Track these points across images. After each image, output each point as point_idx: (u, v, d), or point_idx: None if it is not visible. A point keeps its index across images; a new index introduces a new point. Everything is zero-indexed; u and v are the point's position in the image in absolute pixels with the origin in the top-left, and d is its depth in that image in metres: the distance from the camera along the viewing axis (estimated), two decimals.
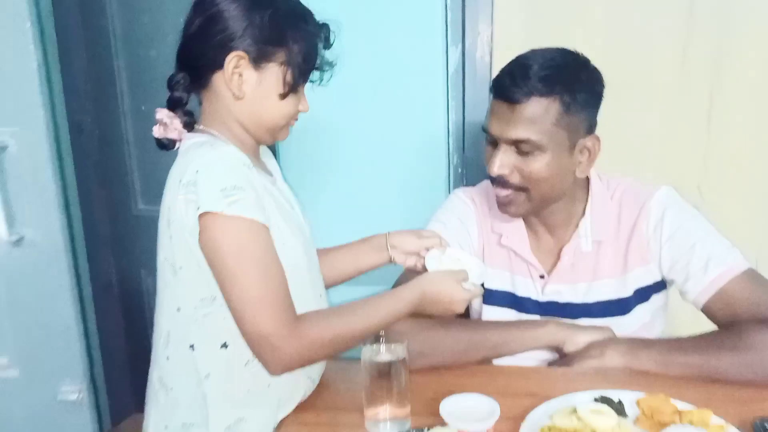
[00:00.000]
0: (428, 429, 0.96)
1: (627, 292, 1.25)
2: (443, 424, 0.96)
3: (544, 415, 0.98)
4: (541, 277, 1.30)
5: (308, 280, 1.11)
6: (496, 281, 1.34)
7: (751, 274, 1.16)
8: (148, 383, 1.10)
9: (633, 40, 1.70)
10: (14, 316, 0.99)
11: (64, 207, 0.99)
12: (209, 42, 1.02)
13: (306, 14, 1.07)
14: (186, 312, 1.01)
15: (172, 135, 1.08)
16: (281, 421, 1.07)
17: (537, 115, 1.14)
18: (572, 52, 1.20)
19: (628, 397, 1.02)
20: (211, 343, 1.01)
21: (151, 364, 1.09)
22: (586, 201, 1.27)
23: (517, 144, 1.16)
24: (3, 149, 0.92)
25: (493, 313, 1.34)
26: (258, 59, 1.02)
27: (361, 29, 1.77)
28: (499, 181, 1.20)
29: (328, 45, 1.09)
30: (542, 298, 1.30)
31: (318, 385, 1.16)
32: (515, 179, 1.19)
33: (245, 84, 1.03)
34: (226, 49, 1.01)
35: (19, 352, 1.00)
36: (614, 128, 1.69)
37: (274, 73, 1.04)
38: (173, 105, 1.08)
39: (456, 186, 1.83)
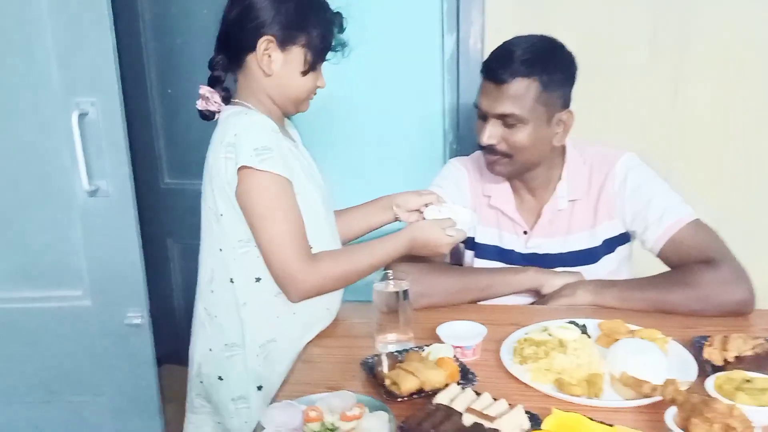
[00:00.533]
0: (427, 345, 1.18)
1: (596, 242, 1.47)
2: (441, 343, 1.19)
3: (522, 335, 1.20)
4: (525, 232, 1.52)
5: (326, 225, 1.33)
6: (485, 237, 1.56)
7: (698, 224, 1.38)
8: (194, 315, 1.33)
9: (608, 25, 1.89)
10: (88, 254, 1.20)
11: (131, 165, 1.20)
12: (244, 28, 1.24)
13: (323, 4, 1.29)
14: (227, 251, 1.24)
15: (212, 108, 1.30)
16: (306, 345, 1.29)
17: (520, 93, 1.35)
18: (550, 38, 1.41)
19: (592, 323, 1.24)
20: (248, 277, 1.24)
21: (197, 298, 1.32)
22: (562, 166, 1.49)
23: (503, 118, 1.37)
24: (84, 115, 1.12)
25: (483, 264, 1.56)
26: (284, 42, 1.24)
27: (366, 19, 1.91)
28: (488, 149, 1.42)
29: (341, 30, 1.31)
30: (525, 251, 1.52)
31: (335, 319, 1.38)
32: (502, 147, 1.40)
33: (273, 63, 1.24)
34: (258, 34, 1.22)
35: (91, 285, 1.21)
36: (590, 104, 1.91)
37: (297, 54, 1.26)
38: (213, 82, 1.30)
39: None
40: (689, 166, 1.94)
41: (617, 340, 1.16)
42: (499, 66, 1.36)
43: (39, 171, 1.16)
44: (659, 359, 1.06)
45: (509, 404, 0.97)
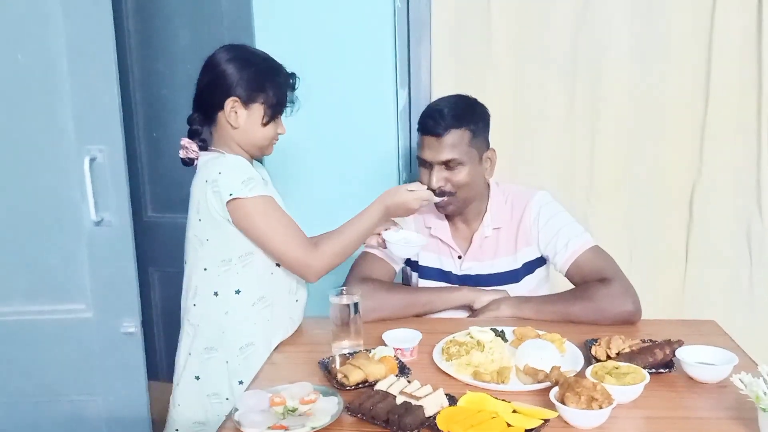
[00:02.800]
0: (374, 349, 1.43)
1: (517, 265, 1.77)
2: (385, 346, 1.45)
3: (450, 338, 1.47)
4: (459, 257, 1.81)
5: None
6: (428, 261, 1.85)
7: (596, 249, 1.70)
8: (180, 332, 1.56)
9: (534, 88, 2.22)
10: (92, 273, 1.43)
11: (135, 201, 1.46)
12: (214, 92, 1.50)
13: (278, 69, 1.56)
14: (211, 270, 1.49)
15: (191, 155, 1.57)
16: (273, 351, 1.54)
17: (456, 141, 1.67)
18: (465, 96, 1.76)
19: (509, 330, 1.52)
20: (229, 290, 1.50)
21: (182, 315, 1.56)
22: (487, 201, 1.80)
23: (446, 163, 1.68)
24: (93, 160, 1.39)
25: (427, 284, 1.84)
26: (247, 101, 1.50)
27: (329, 73, 2.26)
28: (437, 193, 1.69)
29: (293, 89, 1.59)
30: (460, 273, 1.81)
31: (299, 330, 1.65)
32: (448, 188, 1.70)
33: (239, 118, 1.50)
34: (225, 95, 1.49)
35: (93, 299, 1.44)
36: (521, 152, 2.25)
37: (257, 110, 1.51)
38: (192, 135, 1.57)
39: None
40: (603, 200, 2.26)
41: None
42: (435, 123, 1.67)
43: (54, 204, 1.40)
44: (553, 354, 1.34)
45: (433, 389, 1.23)
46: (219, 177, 1.45)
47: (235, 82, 1.49)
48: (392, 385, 1.26)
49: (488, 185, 1.82)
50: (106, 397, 1.48)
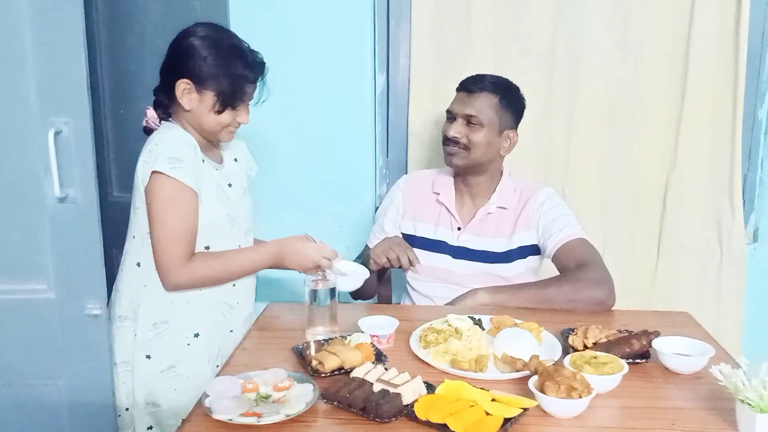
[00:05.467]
0: (350, 335, 1.40)
1: (512, 246, 1.79)
2: (361, 332, 1.42)
3: (427, 326, 1.45)
4: (459, 228, 1.82)
5: (230, 236, 1.54)
6: (424, 232, 1.86)
7: (585, 240, 1.74)
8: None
9: (511, 73, 2.12)
10: (55, 252, 1.35)
11: (100, 180, 1.39)
12: (170, 69, 1.48)
13: (241, 58, 1.48)
14: (137, 239, 1.48)
15: (151, 126, 1.54)
16: (244, 336, 1.50)
17: (484, 103, 1.76)
18: (508, 79, 1.82)
19: (486, 318, 1.50)
20: (150, 263, 1.46)
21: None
22: (499, 182, 1.85)
23: (468, 118, 1.75)
24: (59, 133, 1.31)
25: (428, 257, 1.83)
26: (198, 86, 1.46)
27: (304, 56, 2.24)
28: (452, 141, 1.76)
29: (255, 81, 1.51)
30: (456, 243, 1.82)
31: (271, 316, 1.61)
32: (464, 141, 1.76)
33: (191, 102, 1.47)
34: (178, 76, 1.46)
35: (56, 279, 1.36)
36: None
37: (209, 97, 1.47)
38: (156, 105, 1.54)
39: (380, 182, 2.32)
40: (579, 191, 2.26)
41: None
42: (473, 82, 1.78)
43: (15, 179, 1.32)
44: (531, 343, 1.33)
45: (411, 377, 1.21)
46: (154, 148, 1.44)
47: (191, 63, 1.45)
48: (369, 372, 1.23)
49: (501, 171, 1.87)
50: (69, 381, 1.41)
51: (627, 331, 1.41)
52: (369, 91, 2.28)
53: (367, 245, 1.92)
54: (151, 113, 1.54)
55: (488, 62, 2.20)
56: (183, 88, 1.46)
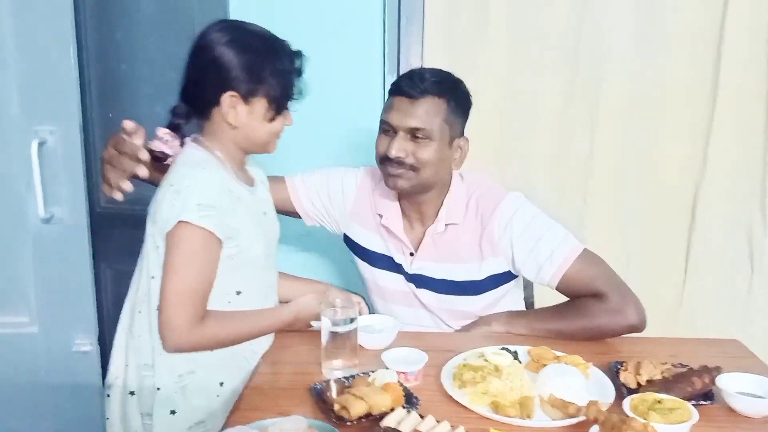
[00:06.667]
0: (373, 372, 1.25)
1: (479, 276, 1.55)
2: (385, 369, 1.26)
3: (460, 361, 1.30)
4: (411, 254, 1.60)
5: (261, 275, 1.40)
6: (377, 246, 1.63)
7: (585, 256, 1.49)
8: (117, 331, 1.34)
9: (528, 72, 2.06)
10: (38, 280, 1.19)
11: (88, 191, 1.22)
12: (207, 84, 1.27)
13: (281, 52, 1.32)
14: (158, 280, 1.26)
15: (168, 151, 1.33)
16: (253, 372, 1.33)
17: (431, 110, 1.46)
18: (452, 73, 1.54)
19: (522, 349, 1.35)
20: None
21: (122, 314, 1.34)
22: (446, 194, 1.57)
23: (413, 132, 1.45)
24: (43, 143, 1.14)
25: (379, 275, 1.63)
26: (247, 95, 1.27)
27: (310, 56, 2.02)
28: (395, 163, 1.46)
29: (300, 74, 1.36)
30: (411, 271, 1.60)
31: (282, 346, 1.43)
32: (410, 161, 1.46)
33: (239, 116, 1.28)
34: (221, 90, 1.26)
35: (39, 311, 1.20)
36: (512, 145, 2.09)
37: (261, 104, 1.29)
38: (174, 128, 1.33)
39: None
40: (599, 201, 2.12)
41: (545, 365, 1.28)
42: (413, 84, 1.46)
43: None
44: (581, 382, 1.18)
45: (451, 425, 1.05)
46: (184, 190, 1.24)
47: (233, 73, 1.25)
48: (402, 421, 1.07)
49: (450, 177, 1.59)
50: (55, 424, 1.24)
51: (682, 365, 1.28)
52: (378, 94, 2.13)
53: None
54: (169, 135, 1.32)
55: (505, 62, 2.06)
56: (229, 103, 1.27)
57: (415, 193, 1.54)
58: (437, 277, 1.57)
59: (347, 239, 1.70)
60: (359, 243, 1.66)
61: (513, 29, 2.04)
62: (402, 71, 2.08)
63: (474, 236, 1.54)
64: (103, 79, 2.11)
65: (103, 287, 2.23)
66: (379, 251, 1.64)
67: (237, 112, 1.28)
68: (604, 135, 2.10)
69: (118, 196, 1.30)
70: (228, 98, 1.27)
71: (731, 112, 2.03)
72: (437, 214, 1.56)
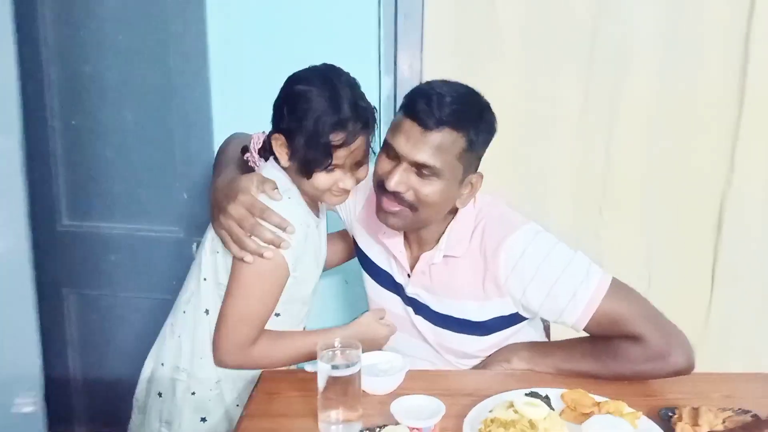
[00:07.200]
0: (380, 428, 1.04)
1: (485, 317, 1.32)
2: (395, 423, 1.05)
3: (484, 411, 1.09)
4: (408, 275, 1.39)
5: (302, 303, 1.38)
6: (380, 260, 1.44)
7: (614, 290, 1.25)
8: (162, 329, 1.37)
9: (542, 76, 1.87)
10: None
11: (47, 209, 1.00)
12: (274, 114, 1.28)
13: (326, 115, 1.20)
14: (210, 284, 1.29)
15: (251, 161, 1.37)
16: (239, 426, 1.12)
17: (445, 145, 1.21)
18: (478, 94, 1.29)
19: (553, 393, 1.15)
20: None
21: (170, 314, 1.37)
22: (450, 223, 1.34)
23: (419, 167, 1.21)
24: None
25: (381, 294, 1.44)
26: (290, 143, 1.24)
27: (296, 54, 1.75)
28: (391, 194, 1.24)
29: (349, 142, 1.23)
30: (408, 293, 1.39)
31: (270, 393, 1.22)
32: (409, 197, 1.23)
33: (283, 157, 1.26)
34: (276, 126, 1.27)
35: None
36: (523, 152, 1.90)
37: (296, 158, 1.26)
38: (262, 150, 1.35)
39: None
40: (618, 213, 1.94)
41: (583, 413, 1.09)
42: (429, 111, 1.19)
43: None
44: None
45: None
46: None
47: (283, 115, 1.25)
48: None
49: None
50: None
51: (743, 410, 1.08)
52: (373, 97, 1.89)
53: None
54: (258, 138, 1.36)
55: (516, 63, 1.86)
56: (278, 142, 1.27)
57: (410, 230, 1.34)
58: (436, 309, 1.36)
59: (356, 246, 1.50)
60: (364, 251, 1.47)
61: (525, 26, 1.85)
62: (399, 71, 1.91)
63: (476, 274, 1.31)
64: (65, 81, 1.91)
65: (66, 316, 2.06)
66: (381, 266, 1.44)
67: (282, 154, 1.27)
68: (623, 141, 1.91)
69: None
70: (277, 138, 1.26)
71: (760, 116, 1.85)
72: (438, 240, 1.34)
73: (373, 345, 1.34)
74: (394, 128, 1.25)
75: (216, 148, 1.78)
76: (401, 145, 1.22)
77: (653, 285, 1.94)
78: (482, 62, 1.86)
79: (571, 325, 1.28)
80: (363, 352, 1.17)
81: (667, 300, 1.85)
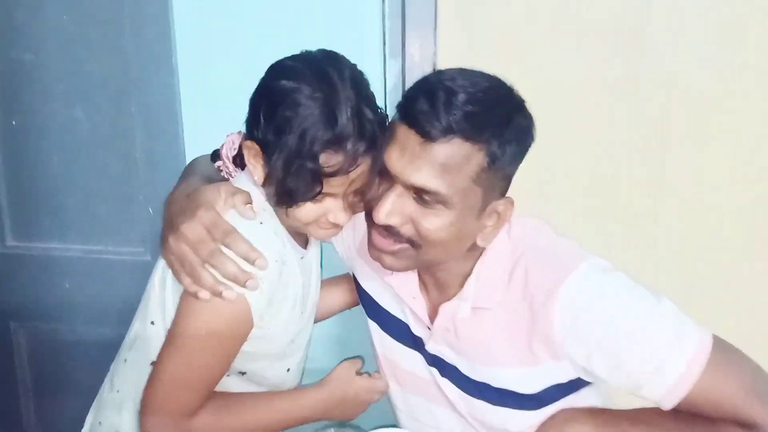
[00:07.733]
0: None
1: (535, 388, 1.00)
2: None
3: None
4: (429, 328, 1.05)
5: (279, 360, 1.10)
6: (390, 306, 1.11)
7: (717, 357, 0.90)
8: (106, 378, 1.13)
9: (570, 66, 1.61)
10: None
11: None
12: (250, 113, 1.00)
13: (316, 132, 0.89)
14: (158, 329, 1.00)
15: (224, 171, 1.05)
16: None
17: (455, 161, 0.87)
18: (507, 85, 0.94)
19: None
20: None
21: (113, 363, 1.12)
22: (476, 262, 1.00)
23: (418, 192, 0.90)
24: None
25: (392, 347, 1.11)
26: (267, 157, 0.95)
27: (292, 34, 1.69)
28: (384, 229, 0.93)
29: (344, 170, 0.90)
30: (430, 350, 1.05)
31: None
32: (407, 231, 0.92)
33: (258, 172, 0.97)
34: (249, 129, 0.98)
35: None
36: (541, 154, 1.60)
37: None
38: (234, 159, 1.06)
39: None
40: (676, 237, 1.66)
41: None
42: (433, 112, 0.87)
43: None
44: None
45: None
46: None
47: (261, 120, 0.94)
48: None
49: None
50: None
51: None
52: (378, 84, 1.66)
53: None
54: (233, 141, 1.03)
55: (542, 48, 1.60)
56: (251, 152, 0.97)
57: (416, 268, 1.03)
58: (464, 371, 1.04)
59: (358, 286, 1.17)
60: (370, 293, 1.13)
61: (553, 11, 1.59)
62: (407, 54, 1.65)
63: (519, 331, 0.98)
64: (2, 74, 1.67)
65: (16, 352, 1.87)
66: (392, 312, 1.10)
67: (256, 166, 0.97)
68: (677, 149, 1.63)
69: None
70: (248, 146, 0.97)
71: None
72: (462, 285, 1.01)
73: (356, 407, 1.10)
74: (387, 137, 0.93)
75: (186, 151, 1.60)
76: (394, 161, 0.90)
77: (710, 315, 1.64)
78: (503, 47, 1.60)
79: (652, 401, 0.94)
80: (347, 418, 1.09)
81: (729, 331, 1.57)
